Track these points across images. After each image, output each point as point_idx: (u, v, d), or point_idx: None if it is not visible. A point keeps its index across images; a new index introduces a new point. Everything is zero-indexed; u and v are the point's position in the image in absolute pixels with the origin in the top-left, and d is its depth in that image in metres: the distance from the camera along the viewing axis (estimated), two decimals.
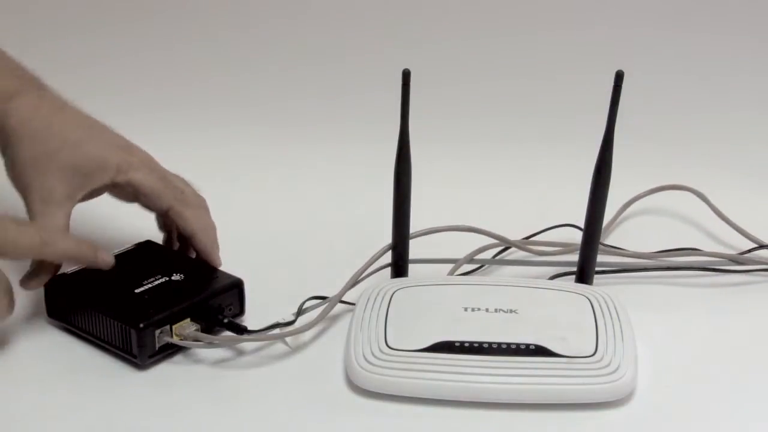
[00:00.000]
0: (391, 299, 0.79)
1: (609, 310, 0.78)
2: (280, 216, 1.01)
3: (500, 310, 0.77)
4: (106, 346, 0.77)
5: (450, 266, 0.88)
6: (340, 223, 0.99)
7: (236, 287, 0.80)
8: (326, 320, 0.80)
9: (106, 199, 1.03)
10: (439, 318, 0.77)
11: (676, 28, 1.09)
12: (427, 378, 0.72)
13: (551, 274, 0.89)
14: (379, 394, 0.73)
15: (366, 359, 0.74)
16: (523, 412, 0.71)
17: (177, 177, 0.85)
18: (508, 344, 0.73)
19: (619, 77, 0.75)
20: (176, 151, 1.05)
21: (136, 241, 0.86)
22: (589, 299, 0.79)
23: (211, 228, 0.83)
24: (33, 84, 0.83)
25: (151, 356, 0.75)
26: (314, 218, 1.01)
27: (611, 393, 0.72)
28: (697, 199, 1.00)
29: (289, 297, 0.80)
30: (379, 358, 0.73)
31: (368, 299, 0.80)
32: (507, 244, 0.91)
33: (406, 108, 0.77)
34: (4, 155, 0.80)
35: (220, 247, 0.83)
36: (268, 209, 1.03)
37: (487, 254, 0.91)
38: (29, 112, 0.79)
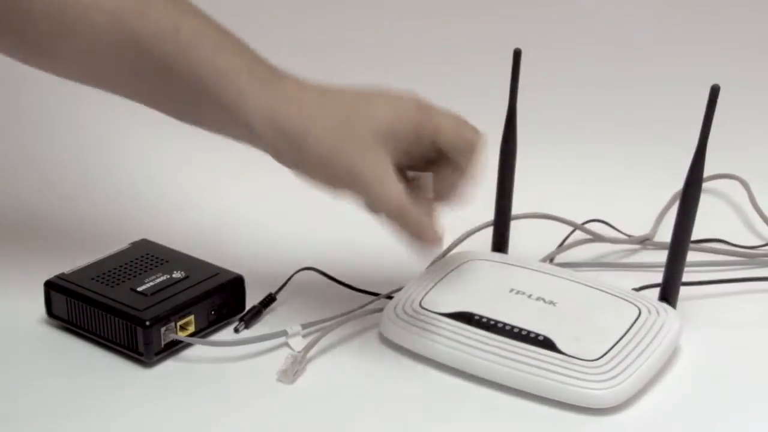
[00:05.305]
0: (459, 266, 0.86)
1: (652, 328, 0.79)
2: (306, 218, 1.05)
3: (541, 299, 0.81)
4: (110, 345, 0.80)
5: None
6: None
7: (237, 284, 0.85)
8: (325, 328, 0.83)
9: (99, 197, 1.09)
10: (481, 292, 0.83)
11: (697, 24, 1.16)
12: (431, 339, 0.79)
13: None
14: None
15: (396, 312, 0.82)
16: (507, 396, 0.76)
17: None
18: (521, 329, 0.78)
19: (714, 92, 0.76)
20: (182, 153, 1.10)
21: (132, 240, 0.90)
22: (640, 311, 0.80)
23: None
24: (269, 63, 0.79)
25: (157, 353, 0.79)
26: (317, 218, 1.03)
27: (579, 398, 0.74)
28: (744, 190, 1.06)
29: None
30: (407, 314, 0.81)
31: (445, 261, 0.88)
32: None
33: (516, 85, 0.84)
34: (287, 156, 0.77)
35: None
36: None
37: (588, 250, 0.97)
38: (302, 93, 0.77)
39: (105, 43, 0.78)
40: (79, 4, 0.77)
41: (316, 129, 0.76)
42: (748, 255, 0.98)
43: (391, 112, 0.77)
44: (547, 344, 0.77)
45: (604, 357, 0.76)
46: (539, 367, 0.76)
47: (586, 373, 0.75)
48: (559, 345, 0.77)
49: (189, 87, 0.78)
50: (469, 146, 0.78)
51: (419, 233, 0.77)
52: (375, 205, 0.77)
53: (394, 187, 0.76)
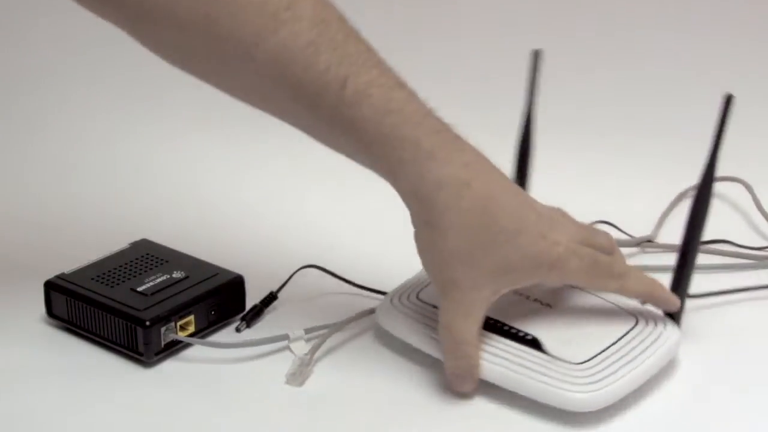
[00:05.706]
0: None
1: (646, 339, 0.78)
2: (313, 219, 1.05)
3: (538, 300, 0.81)
4: (110, 345, 0.80)
5: None
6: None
7: (237, 284, 0.85)
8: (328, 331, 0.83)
9: (99, 197, 1.09)
10: None
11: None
12: (425, 332, 0.79)
13: None
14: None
15: (392, 302, 0.83)
16: (514, 399, 0.76)
17: (599, 238, 0.79)
18: (510, 327, 0.78)
19: (727, 101, 0.75)
20: (189, 150, 1.10)
21: (132, 240, 0.90)
22: (637, 321, 0.80)
23: (651, 284, 0.80)
24: (449, 135, 0.75)
25: (157, 353, 0.79)
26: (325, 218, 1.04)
27: (558, 400, 0.74)
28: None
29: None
30: (404, 304, 0.82)
31: None
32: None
33: (533, 86, 0.85)
34: (420, 227, 0.75)
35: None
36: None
37: None
38: (459, 188, 0.73)
39: (261, 80, 0.74)
40: (242, 37, 0.72)
41: (449, 231, 0.73)
42: (755, 257, 0.98)
43: (539, 252, 0.75)
44: (534, 344, 0.77)
45: (590, 361, 0.75)
46: (522, 366, 0.75)
47: (568, 375, 0.74)
48: (546, 346, 0.76)
49: (345, 137, 0.74)
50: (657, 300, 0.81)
51: (452, 376, 0.77)
52: (442, 324, 0.77)
53: (467, 330, 0.76)
